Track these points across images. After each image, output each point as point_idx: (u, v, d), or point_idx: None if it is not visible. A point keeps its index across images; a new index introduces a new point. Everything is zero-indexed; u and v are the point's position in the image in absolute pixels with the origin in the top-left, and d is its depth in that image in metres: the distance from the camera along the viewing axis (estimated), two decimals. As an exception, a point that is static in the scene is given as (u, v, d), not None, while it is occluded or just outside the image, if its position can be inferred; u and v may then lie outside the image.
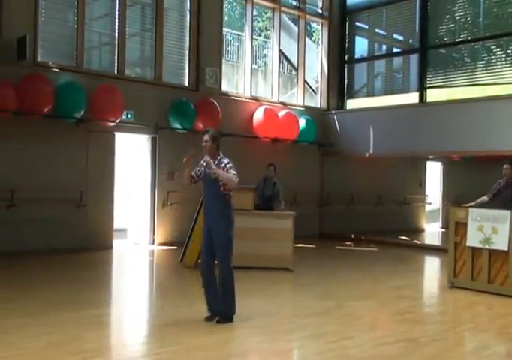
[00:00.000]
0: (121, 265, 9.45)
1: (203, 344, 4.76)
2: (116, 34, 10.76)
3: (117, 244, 10.65)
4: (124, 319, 5.88)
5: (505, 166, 7.83)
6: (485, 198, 7.96)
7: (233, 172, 5.32)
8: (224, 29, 12.47)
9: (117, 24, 10.75)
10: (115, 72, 10.75)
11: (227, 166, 5.35)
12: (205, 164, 5.46)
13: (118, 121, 10.20)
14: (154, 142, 11.11)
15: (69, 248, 9.66)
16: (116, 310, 6.23)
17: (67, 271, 8.17)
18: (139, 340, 5.06)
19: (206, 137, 5.46)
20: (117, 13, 10.76)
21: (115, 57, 10.78)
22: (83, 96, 9.71)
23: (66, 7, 10.29)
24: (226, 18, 13.06)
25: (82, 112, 9.76)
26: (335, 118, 13.86)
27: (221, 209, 5.35)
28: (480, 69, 11.98)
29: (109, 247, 10.34)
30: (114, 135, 10.50)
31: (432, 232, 16.11)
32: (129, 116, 10.56)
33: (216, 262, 5.39)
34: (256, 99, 12.81)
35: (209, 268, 5.39)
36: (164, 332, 5.06)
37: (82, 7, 10.22)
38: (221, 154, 5.47)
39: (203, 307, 5.45)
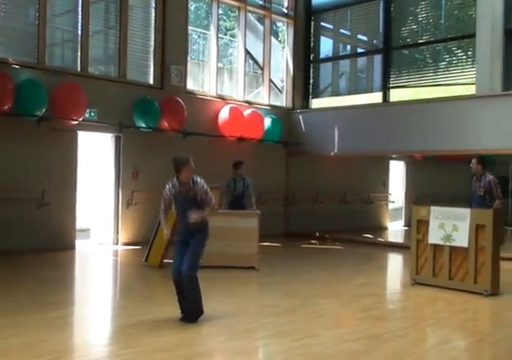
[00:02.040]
0: (84, 266, 9.32)
1: (168, 345, 4.73)
2: (79, 31, 10.58)
3: (80, 244, 10.50)
4: (88, 320, 5.79)
5: (472, 161, 8.12)
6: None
7: (211, 196, 5.43)
8: (189, 27, 12.41)
9: (80, 21, 10.57)
10: (79, 69, 10.57)
11: (204, 188, 5.40)
12: (176, 189, 5.40)
13: (81, 119, 10.04)
14: (118, 140, 10.97)
15: (31, 248, 9.44)
16: (80, 311, 6.13)
17: (31, 272, 8.03)
18: (103, 342, 5.00)
19: (188, 170, 5.35)
20: (80, 9, 10.57)
21: (79, 54, 10.60)
22: (45, 93, 9.53)
23: (27, 2, 10.07)
24: (192, 16, 13.00)
25: (43, 110, 9.57)
26: (301, 117, 13.95)
27: (200, 222, 5.35)
28: (441, 70, 12.23)
29: (71, 247, 10.17)
30: (77, 133, 10.33)
31: (395, 230, 16.37)
32: (92, 114, 10.41)
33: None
34: (222, 98, 12.78)
35: (181, 276, 5.35)
36: (128, 333, 5.01)
37: (44, 3, 10.00)
38: None
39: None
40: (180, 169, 5.33)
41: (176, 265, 5.38)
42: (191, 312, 5.30)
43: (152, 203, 10.45)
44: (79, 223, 10.79)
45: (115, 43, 11.18)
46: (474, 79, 11.15)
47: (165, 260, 8.39)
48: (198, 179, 5.43)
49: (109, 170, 11.02)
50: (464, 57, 12.06)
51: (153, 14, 11.64)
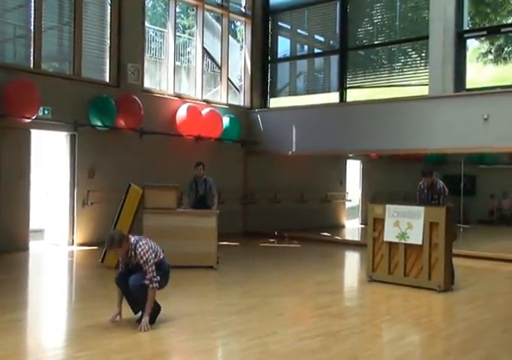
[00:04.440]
0: (39, 267, 9.09)
1: (125, 346, 4.67)
2: (32, 27, 10.31)
3: (34, 245, 10.25)
4: (43, 322, 5.67)
5: (431, 177, 8.05)
6: None
7: (152, 270, 5.09)
8: (146, 25, 12.26)
9: (33, 16, 10.30)
10: (32, 66, 10.31)
11: (143, 259, 5.09)
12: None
13: (34, 117, 9.80)
14: (73, 139, 10.76)
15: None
16: (34, 313, 5.99)
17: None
18: (58, 344, 4.89)
19: (121, 249, 5.15)
20: (33, 4, 10.30)
21: (31, 50, 10.33)
22: (-4, 91, 9.27)
23: (-24, -4, 9.78)
24: (149, 13, 12.85)
25: (-5, 107, 9.31)
26: (259, 116, 13.99)
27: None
28: (396, 71, 12.46)
29: (25, 248, 9.91)
30: (30, 132, 10.08)
31: (352, 228, 16.60)
32: (46, 112, 10.16)
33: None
34: (179, 96, 12.70)
35: (124, 280, 5.24)
36: (85, 335, 4.93)
37: (-5, -3, 9.74)
38: (132, 239, 5.19)
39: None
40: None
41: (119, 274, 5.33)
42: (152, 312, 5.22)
43: (108, 203, 10.32)
44: (33, 224, 10.49)
45: (70, 40, 10.94)
46: (427, 80, 11.42)
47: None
48: (139, 248, 5.11)
49: (64, 169, 10.79)
50: (418, 58, 12.33)
51: (109, 10, 11.44)
